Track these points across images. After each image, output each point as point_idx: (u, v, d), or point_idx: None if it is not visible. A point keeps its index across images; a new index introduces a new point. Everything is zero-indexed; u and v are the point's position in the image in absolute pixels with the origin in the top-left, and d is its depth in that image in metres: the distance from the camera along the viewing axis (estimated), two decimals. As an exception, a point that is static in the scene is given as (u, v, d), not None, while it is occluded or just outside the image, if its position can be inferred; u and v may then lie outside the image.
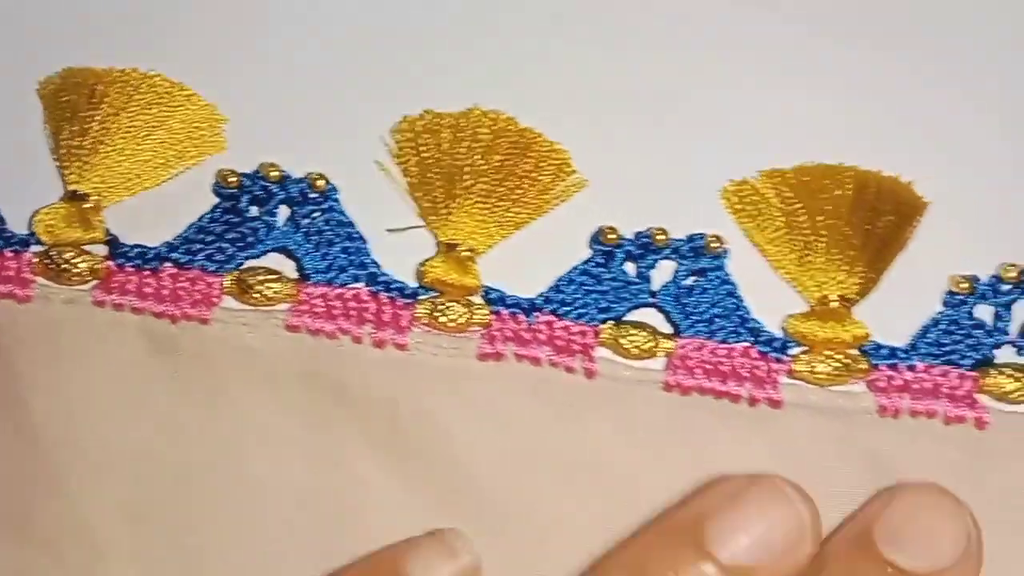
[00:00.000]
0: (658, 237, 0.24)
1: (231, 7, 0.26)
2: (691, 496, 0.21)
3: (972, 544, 0.20)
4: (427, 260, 0.24)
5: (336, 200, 0.25)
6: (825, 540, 0.21)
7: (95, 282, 0.24)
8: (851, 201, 0.24)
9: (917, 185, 0.24)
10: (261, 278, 0.24)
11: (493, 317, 0.24)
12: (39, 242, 0.25)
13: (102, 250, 0.25)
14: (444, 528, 0.23)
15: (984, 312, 0.24)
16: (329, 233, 0.25)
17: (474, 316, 0.24)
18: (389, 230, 0.25)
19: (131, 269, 0.24)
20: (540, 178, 0.25)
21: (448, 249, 0.25)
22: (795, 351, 0.24)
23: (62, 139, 0.25)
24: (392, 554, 0.22)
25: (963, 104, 0.25)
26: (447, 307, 0.24)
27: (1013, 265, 0.24)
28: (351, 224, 0.25)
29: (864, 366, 0.24)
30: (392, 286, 0.24)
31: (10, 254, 0.24)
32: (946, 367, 0.24)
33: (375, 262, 0.24)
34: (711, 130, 0.25)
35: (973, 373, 0.24)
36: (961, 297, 0.24)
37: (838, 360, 0.24)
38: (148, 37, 0.26)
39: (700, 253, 0.24)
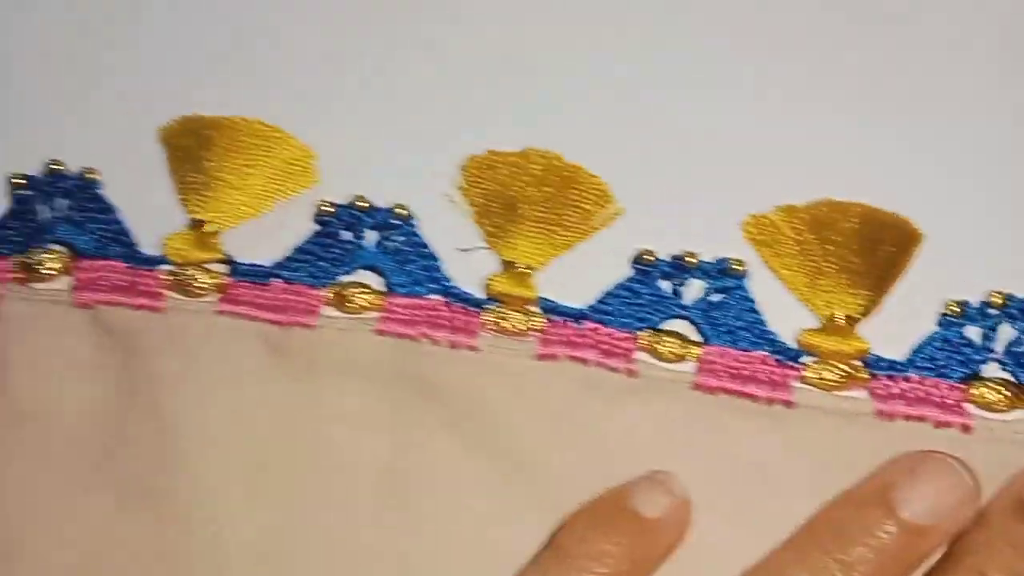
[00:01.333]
0: (689, 259, 0.29)
1: (325, 63, 0.31)
2: (876, 471, 0.26)
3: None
4: (492, 275, 0.29)
5: (415, 226, 0.29)
6: (984, 506, 0.26)
7: (217, 295, 0.29)
8: (856, 233, 0.28)
9: (914, 219, 0.28)
10: (355, 291, 0.29)
11: (547, 323, 0.28)
12: (169, 262, 0.29)
13: (222, 268, 0.29)
14: (658, 470, 0.26)
15: (973, 332, 0.28)
16: (410, 253, 0.29)
17: (531, 322, 0.28)
18: (460, 250, 0.29)
19: (247, 284, 0.29)
20: (584, 207, 0.29)
21: (509, 266, 0.29)
22: (806, 360, 0.28)
23: (183, 177, 0.30)
24: (617, 492, 0.26)
25: (961, 150, 0.29)
26: (509, 315, 0.29)
27: (1000, 293, 0.28)
28: (427, 246, 0.29)
29: (865, 375, 0.28)
30: (463, 297, 0.29)
31: (145, 272, 0.29)
32: (937, 379, 0.28)
33: (448, 277, 0.29)
34: (734, 167, 0.30)
35: (961, 385, 0.28)
36: (953, 319, 0.28)
37: (843, 369, 0.28)
38: (251, 87, 0.31)
39: (725, 274, 0.29)
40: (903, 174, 0.29)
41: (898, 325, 0.28)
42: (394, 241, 0.29)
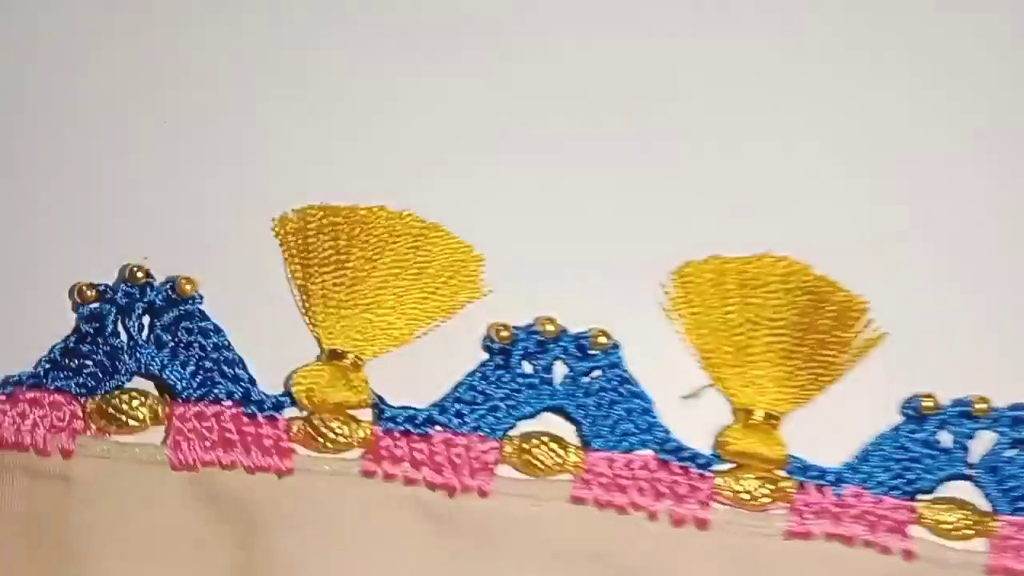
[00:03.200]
0: (978, 406, 0.22)
1: (480, 141, 0.24)
2: None
3: None
4: (727, 429, 0.22)
5: (619, 357, 0.22)
6: None
7: (360, 451, 0.22)
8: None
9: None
10: (543, 445, 0.22)
11: (799, 491, 0.22)
12: (292, 404, 0.22)
13: (364, 414, 0.22)
14: None
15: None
16: (613, 393, 0.22)
17: (778, 490, 0.22)
18: (683, 397, 0.22)
19: (398, 434, 0.22)
20: (841, 334, 0.23)
21: (745, 415, 0.22)
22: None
23: (313, 289, 0.22)
24: None
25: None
26: (747, 479, 0.22)
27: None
28: (635, 384, 0.22)
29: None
30: (684, 454, 0.22)
31: (264, 420, 0.22)
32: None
33: (663, 426, 0.22)
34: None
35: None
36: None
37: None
38: (389, 174, 0.23)
39: (1021, 423, 0.23)
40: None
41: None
42: (591, 377, 0.22)
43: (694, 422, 0.22)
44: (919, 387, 0.22)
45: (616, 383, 0.22)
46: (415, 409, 0.22)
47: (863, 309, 0.23)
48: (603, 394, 0.22)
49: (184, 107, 0.24)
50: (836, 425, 0.23)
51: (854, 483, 0.22)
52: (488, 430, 0.22)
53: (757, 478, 0.22)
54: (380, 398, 0.22)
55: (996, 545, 0.22)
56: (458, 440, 0.22)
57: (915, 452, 0.22)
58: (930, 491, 0.22)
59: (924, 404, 0.22)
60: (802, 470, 0.22)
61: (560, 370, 0.23)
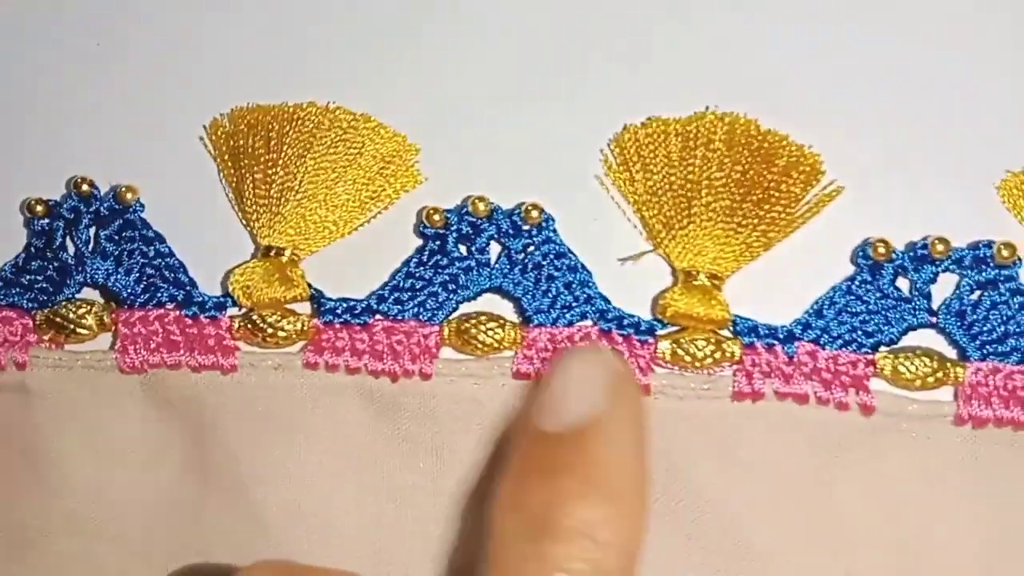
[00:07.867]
0: (937, 247, 0.21)
1: (401, 23, 0.23)
2: None
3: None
4: (666, 292, 0.22)
5: (553, 230, 0.22)
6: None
7: (302, 344, 0.22)
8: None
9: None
10: (481, 324, 0.22)
11: (746, 351, 0.21)
12: (234, 304, 0.22)
13: (302, 308, 0.22)
14: None
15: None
16: (548, 268, 0.22)
17: (724, 351, 0.21)
18: (620, 260, 0.22)
19: (339, 326, 0.22)
20: (789, 189, 0.21)
21: (687, 278, 0.22)
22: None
23: (245, 189, 0.23)
24: None
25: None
26: (692, 342, 0.21)
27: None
28: (571, 255, 0.22)
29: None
30: (625, 322, 0.22)
31: (206, 321, 0.22)
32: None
33: (603, 296, 0.22)
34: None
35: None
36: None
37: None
38: (310, 66, 0.23)
39: (986, 263, 0.21)
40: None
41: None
42: (526, 253, 0.22)
43: (638, 292, 0.22)
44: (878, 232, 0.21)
45: (552, 257, 0.22)
46: (354, 300, 0.22)
47: (814, 163, 0.21)
48: (540, 269, 0.22)
49: (116, 17, 0.24)
50: (791, 283, 0.21)
51: (807, 340, 0.21)
52: (429, 315, 0.22)
53: (703, 340, 0.21)
54: (317, 291, 0.22)
55: (964, 393, 0.21)
56: (399, 327, 0.22)
57: (872, 303, 0.21)
58: (893, 344, 0.21)
59: (877, 250, 0.21)
60: (750, 330, 0.21)
61: (495, 249, 0.22)
